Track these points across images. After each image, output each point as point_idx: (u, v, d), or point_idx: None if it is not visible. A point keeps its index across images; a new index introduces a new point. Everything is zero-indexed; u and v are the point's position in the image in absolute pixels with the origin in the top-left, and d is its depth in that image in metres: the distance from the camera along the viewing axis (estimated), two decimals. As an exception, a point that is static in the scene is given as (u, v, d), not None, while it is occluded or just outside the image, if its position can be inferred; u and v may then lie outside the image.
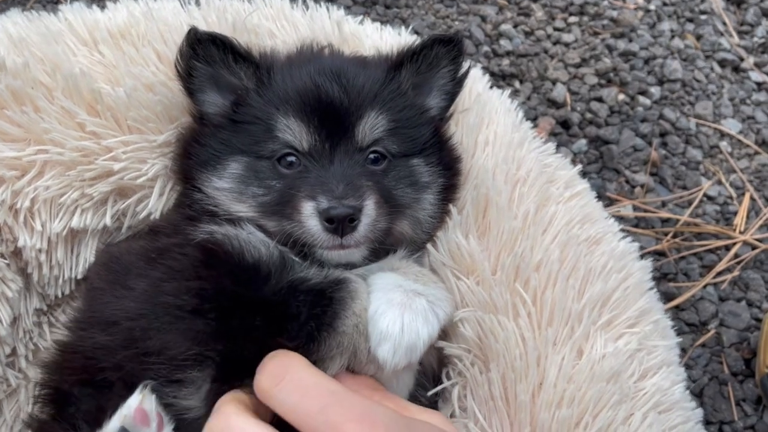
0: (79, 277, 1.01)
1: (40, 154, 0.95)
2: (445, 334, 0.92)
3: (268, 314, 0.79)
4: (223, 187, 0.93)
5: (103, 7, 1.14)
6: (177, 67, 0.96)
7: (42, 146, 0.95)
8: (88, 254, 1.00)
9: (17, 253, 0.95)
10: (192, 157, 0.96)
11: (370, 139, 0.94)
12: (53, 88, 0.98)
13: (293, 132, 0.92)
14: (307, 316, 0.79)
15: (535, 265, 0.93)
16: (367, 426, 0.70)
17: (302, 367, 0.76)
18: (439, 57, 1.00)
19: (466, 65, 1.02)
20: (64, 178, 0.96)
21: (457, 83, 1.04)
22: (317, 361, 0.81)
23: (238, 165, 0.94)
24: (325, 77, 0.93)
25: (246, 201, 0.93)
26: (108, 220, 1.00)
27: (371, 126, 0.94)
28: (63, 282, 1.00)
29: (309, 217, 0.86)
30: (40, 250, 0.95)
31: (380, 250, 0.92)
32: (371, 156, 0.95)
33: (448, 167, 1.00)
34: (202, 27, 1.07)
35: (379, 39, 1.13)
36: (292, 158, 0.93)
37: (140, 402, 0.75)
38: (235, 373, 0.78)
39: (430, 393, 0.90)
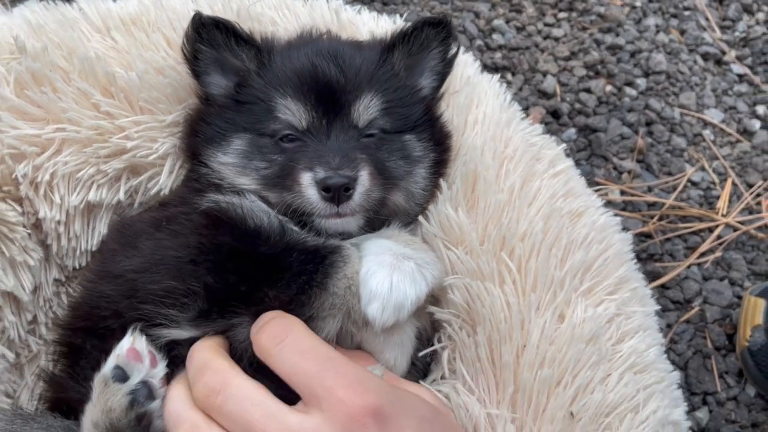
0: (94, 249, 1.06)
1: (58, 132, 0.99)
2: (436, 300, 0.97)
3: (261, 266, 0.84)
4: (228, 161, 0.98)
5: (115, -3, 1.20)
6: (183, 50, 1.00)
7: (60, 125, 1.00)
8: (102, 228, 1.05)
9: (38, 225, 0.99)
10: (199, 134, 1.01)
11: (366, 119, 0.98)
12: (70, 71, 1.03)
13: (292, 112, 0.96)
14: (300, 271, 0.84)
15: (520, 235, 0.96)
16: (359, 391, 0.74)
17: (302, 331, 0.80)
18: (429, 39, 1.04)
19: (455, 46, 1.05)
20: (80, 154, 1.00)
21: (447, 64, 1.07)
22: (310, 318, 0.85)
23: (241, 141, 0.99)
24: (322, 58, 0.97)
25: (249, 174, 0.97)
26: (122, 196, 1.05)
27: (366, 107, 0.98)
28: (80, 254, 1.04)
29: (307, 186, 0.90)
30: (59, 222, 0.99)
31: (375, 220, 0.97)
32: (367, 131, 0.99)
33: (439, 143, 1.04)
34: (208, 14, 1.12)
35: (375, 26, 1.18)
36: (291, 136, 0.97)
37: (132, 343, 0.80)
38: (220, 307, 0.83)
39: (420, 354, 0.94)
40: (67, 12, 1.11)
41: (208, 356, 0.81)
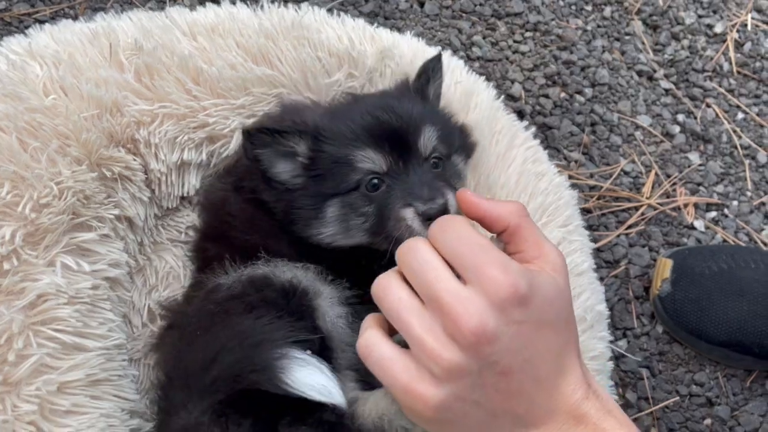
0: (183, 195, 1.36)
1: (162, 108, 1.24)
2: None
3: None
4: (330, 232, 1.06)
5: (193, 9, 1.52)
6: (247, 156, 1.12)
7: (164, 103, 1.24)
8: (190, 179, 1.33)
9: (147, 173, 1.31)
10: (296, 222, 1.08)
11: (430, 148, 1.08)
12: (170, 65, 1.31)
13: (372, 160, 1.04)
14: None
15: (500, 185, 1.30)
16: (502, 271, 0.85)
17: (463, 224, 0.90)
18: (437, 69, 1.23)
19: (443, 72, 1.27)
20: (177, 126, 1.26)
21: (440, 86, 1.25)
22: None
23: (333, 208, 1.05)
24: (379, 110, 1.07)
25: (355, 235, 1.05)
26: (204, 157, 1.33)
27: (428, 138, 1.07)
28: (173, 198, 1.32)
29: (413, 220, 0.99)
30: (161, 173, 1.26)
31: None
32: (433, 161, 1.09)
33: (470, 153, 1.22)
34: (267, 26, 1.44)
35: (391, 39, 1.52)
36: (375, 180, 1.04)
37: None
38: None
39: None
40: (163, 20, 1.43)
41: (368, 327, 0.93)
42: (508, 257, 0.88)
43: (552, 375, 0.89)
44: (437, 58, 1.22)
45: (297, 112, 1.19)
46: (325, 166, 1.07)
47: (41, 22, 1.76)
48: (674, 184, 2.08)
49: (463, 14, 2.24)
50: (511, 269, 0.85)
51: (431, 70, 1.22)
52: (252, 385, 0.89)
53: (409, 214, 1.00)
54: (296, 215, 1.08)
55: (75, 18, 1.79)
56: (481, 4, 2.26)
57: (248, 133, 1.08)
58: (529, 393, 0.89)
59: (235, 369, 0.90)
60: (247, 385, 0.89)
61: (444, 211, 0.98)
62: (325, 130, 1.07)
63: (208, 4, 1.47)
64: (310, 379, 0.89)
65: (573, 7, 2.35)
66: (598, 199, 2.01)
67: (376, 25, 1.62)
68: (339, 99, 1.24)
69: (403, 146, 1.06)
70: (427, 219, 0.97)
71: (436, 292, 0.86)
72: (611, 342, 1.79)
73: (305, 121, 1.13)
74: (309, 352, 0.92)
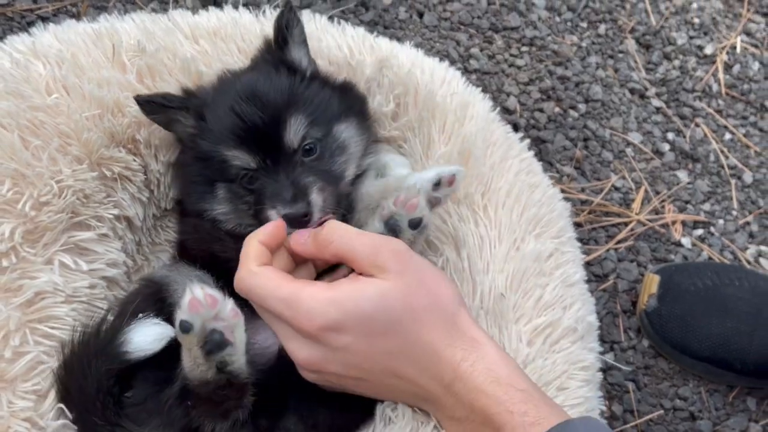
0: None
1: None
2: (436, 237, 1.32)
3: None
4: (222, 210, 1.13)
5: (195, 12, 1.53)
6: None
7: None
8: None
9: (146, 173, 1.33)
10: (192, 195, 1.17)
11: (297, 140, 1.07)
12: (172, 67, 1.32)
13: (240, 159, 1.07)
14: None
15: (494, 193, 1.31)
16: (308, 319, 0.94)
17: (264, 288, 0.99)
18: (292, 17, 1.16)
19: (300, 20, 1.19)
20: None
21: (301, 32, 1.18)
22: None
23: (222, 191, 1.12)
24: (242, 102, 1.06)
25: (243, 217, 1.11)
26: None
27: (295, 130, 1.06)
28: (170, 199, 1.34)
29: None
30: (160, 173, 1.28)
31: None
32: (305, 148, 1.08)
33: (352, 105, 1.15)
34: (269, 31, 1.47)
35: (390, 49, 1.54)
36: (249, 175, 1.08)
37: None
38: None
39: None
40: (166, 22, 1.44)
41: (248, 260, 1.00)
42: (312, 297, 0.94)
43: (411, 370, 0.97)
44: (288, 9, 1.16)
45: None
46: (204, 154, 1.11)
47: (44, 18, 1.77)
48: (663, 201, 2.12)
49: (462, 26, 2.27)
50: (315, 313, 0.93)
51: (286, 27, 1.17)
52: (113, 372, 0.99)
53: (274, 216, 1.04)
54: (192, 189, 1.16)
55: (77, 16, 1.80)
56: (479, 17, 2.30)
57: (138, 102, 1.16)
58: (395, 386, 0.99)
59: (98, 373, 0.99)
60: (113, 375, 1.00)
61: (306, 214, 1.02)
62: (203, 118, 1.12)
63: (211, 9, 1.48)
64: (145, 334, 0.98)
65: (569, 24, 2.39)
66: (589, 213, 2.05)
67: (375, 34, 1.64)
68: (222, 75, 1.25)
69: (270, 143, 1.06)
70: (289, 222, 1.02)
71: (274, 330, 1.02)
72: (599, 353, 1.83)
73: (191, 97, 1.19)
74: (140, 315, 1.01)
